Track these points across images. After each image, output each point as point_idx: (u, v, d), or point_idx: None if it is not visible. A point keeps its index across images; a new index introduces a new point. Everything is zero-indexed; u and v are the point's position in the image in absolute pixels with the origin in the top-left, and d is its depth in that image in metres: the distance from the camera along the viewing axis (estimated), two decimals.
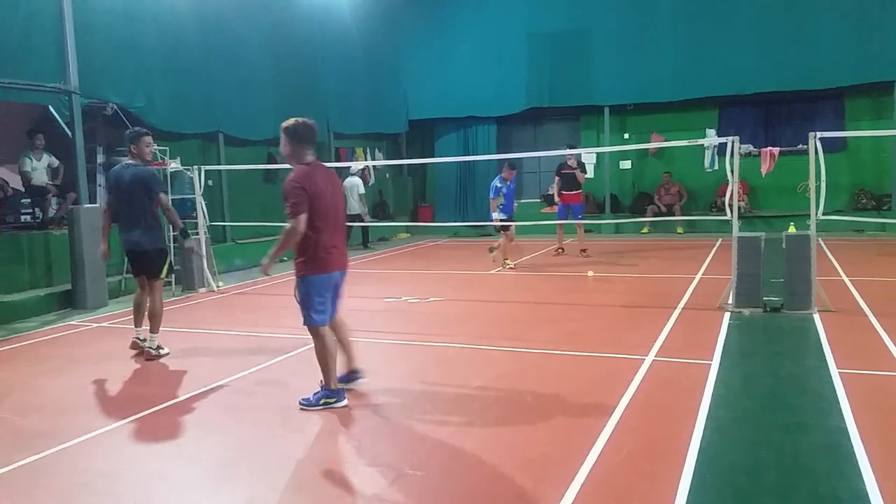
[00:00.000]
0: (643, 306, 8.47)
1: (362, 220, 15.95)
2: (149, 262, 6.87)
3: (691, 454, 4.00)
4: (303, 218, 4.92)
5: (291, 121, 5.33)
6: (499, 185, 11.87)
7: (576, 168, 13.04)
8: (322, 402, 5.14)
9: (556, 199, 13.34)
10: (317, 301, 5.13)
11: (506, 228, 12.09)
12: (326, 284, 5.17)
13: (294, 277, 5.18)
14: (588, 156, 18.34)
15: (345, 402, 5.16)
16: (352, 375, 5.55)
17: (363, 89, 18.06)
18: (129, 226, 6.84)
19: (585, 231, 14.16)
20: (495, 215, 11.94)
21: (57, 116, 10.33)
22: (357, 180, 16.06)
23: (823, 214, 7.91)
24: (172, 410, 5.31)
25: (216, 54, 13.38)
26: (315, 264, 5.09)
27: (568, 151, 13.18)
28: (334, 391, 5.17)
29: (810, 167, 7.72)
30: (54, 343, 7.84)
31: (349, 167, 16.13)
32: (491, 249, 12.79)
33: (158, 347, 6.86)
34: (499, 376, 5.78)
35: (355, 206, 15.63)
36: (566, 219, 13.30)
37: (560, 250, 13.77)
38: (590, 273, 11.05)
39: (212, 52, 13.29)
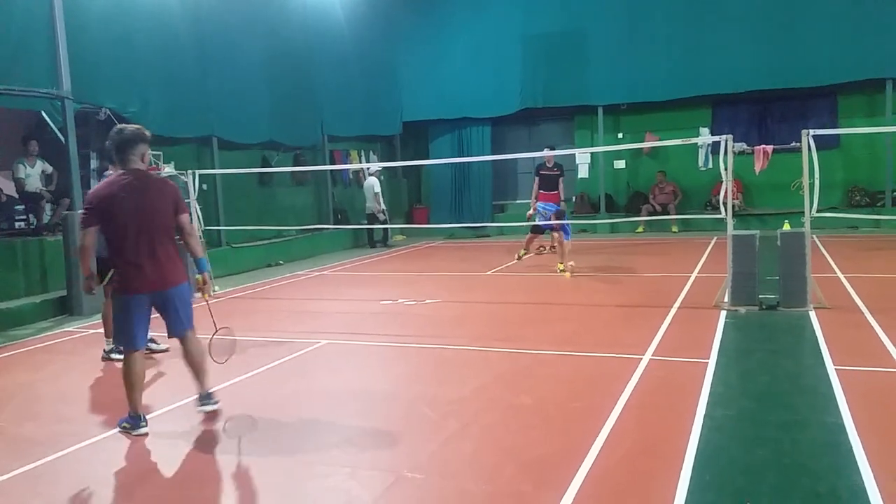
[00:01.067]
0: (639, 306, 8.48)
1: (377, 219, 16.64)
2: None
3: (689, 453, 4.00)
4: (89, 231, 4.68)
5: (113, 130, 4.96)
6: None
7: (556, 171, 13.23)
8: (122, 425, 4.86)
9: (532, 202, 13.38)
10: (122, 322, 4.86)
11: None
12: (128, 306, 4.78)
13: None
14: (582, 156, 18.39)
15: (142, 430, 4.79)
16: (203, 400, 5.15)
17: (357, 92, 18.06)
18: None
19: (580, 231, 14.24)
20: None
21: (50, 122, 10.31)
22: (373, 180, 16.82)
23: (818, 212, 7.93)
24: (171, 415, 5.29)
25: (210, 58, 13.36)
26: (118, 283, 4.82)
27: (547, 153, 13.36)
28: (132, 417, 4.83)
29: (804, 165, 7.75)
30: (51, 350, 7.82)
31: (367, 168, 16.85)
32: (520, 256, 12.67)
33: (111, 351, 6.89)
34: (496, 378, 5.78)
35: (371, 206, 16.67)
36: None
37: (542, 248, 14.01)
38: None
39: (206, 56, 13.27)
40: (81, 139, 10.53)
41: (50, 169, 11.01)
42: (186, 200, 10.89)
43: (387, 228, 17.28)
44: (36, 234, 10.42)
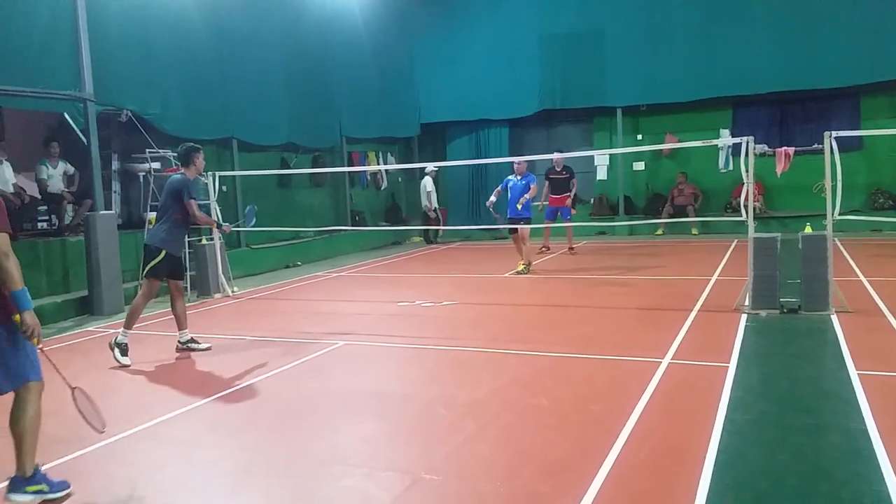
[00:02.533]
0: (658, 308, 8.42)
1: (429, 217, 17.54)
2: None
3: (709, 457, 3.97)
4: None
5: None
6: (509, 178, 11.95)
7: (565, 174, 13.37)
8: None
9: (542, 202, 13.96)
10: None
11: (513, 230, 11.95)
12: None
13: None
14: (601, 157, 18.30)
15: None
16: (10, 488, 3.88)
17: (375, 93, 18.11)
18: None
19: (598, 233, 14.32)
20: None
21: (72, 124, 10.42)
22: (427, 180, 17.89)
23: (840, 214, 7.84)
24: (189, 415, 5.33)
25: (230, 61, 13.45)
26: None
27: (556, 156, 13.63)
28: None
29: (826, 167, 7.66)
30: (72, 349, 7.90)
31: (425, 168, 17.57)
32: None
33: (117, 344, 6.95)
34: (514, 380, 5.76)
35: (424, 204, 17.97)
36: (554, 220, 13.90)
37: (545, 248, 14.42)
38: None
39: (225, 59, 13.36)
40: (103, 141, 10.65)
41: (72, 170, 11.13)
42: (206, 202, 11.16)
43: (436, 228, 17.88)
44: (58, 235, 10.54)
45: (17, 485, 3.83)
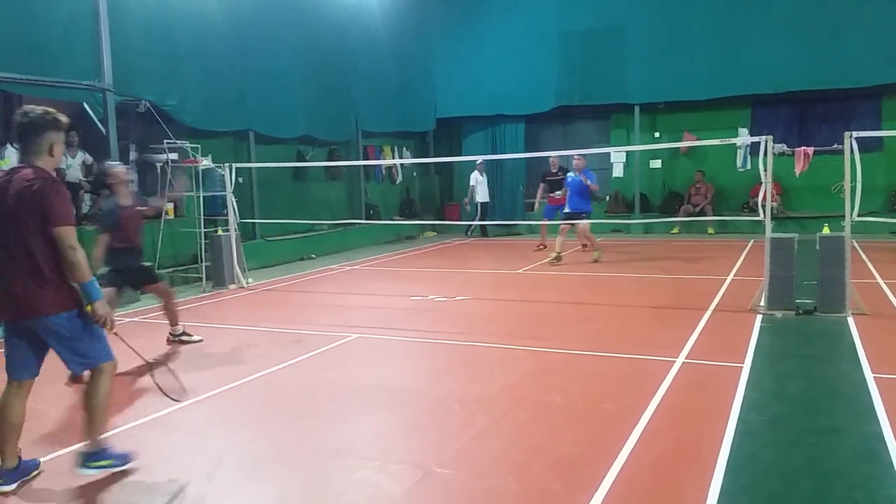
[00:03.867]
0: (673, 307, 8.38)
1: (485, 209, 17.75)
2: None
3: (722, 457, 3.95)
4: None
5: None
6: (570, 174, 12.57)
7: (560, 175, 13.79)
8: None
9: (536, 204, 14.43)
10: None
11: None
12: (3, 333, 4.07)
13: None
14: (617, 155, 18.21)
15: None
16: (83, 459, 4.11)
17: (392, 87, 18.11)
18: None
19: (613, 230, 14.33)
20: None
21: (91, 114, 10.49)
22: (474, 173, 17.74)
23: (859, 216, 7.76)
24: (202, 405, 5.36)
25: (248, 53, 13.49)
26: None
27: (553, 157, 14.18)
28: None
29: (846, 167, 7.58)
30: None
31: (475, 160, 17.55)
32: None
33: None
34: (526, 376, 5.76)
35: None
36: (553, 219, 13.96)
37: (542, 246, 14.42)
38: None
39: (243, 52, 13.40)
40: (121, 131, 10.72)
41: (90, 160, 11.20)
42: (223, 193, 11.23)
43: (484, 217, 17.86)
44: (75, 224, 10.61)
45: (85, 459, 4.06)
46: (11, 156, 10.08)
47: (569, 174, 12.65)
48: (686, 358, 6.07)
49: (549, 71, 18.38)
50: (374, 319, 8.24)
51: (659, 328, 7.32)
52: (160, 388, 4.49)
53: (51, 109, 3.99)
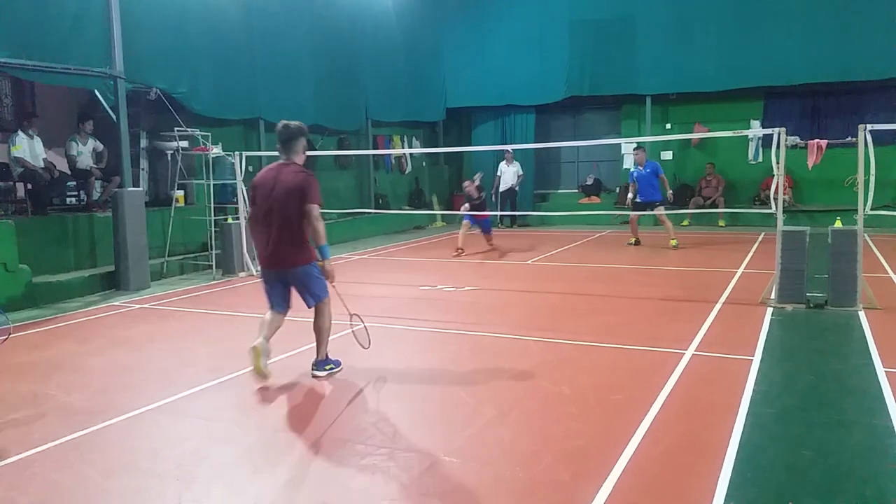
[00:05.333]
0: (683, 300, 8.35)
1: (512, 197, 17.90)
2: None
3: (731, 449, 3.94)
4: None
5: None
6: (632, 170, 13.08)
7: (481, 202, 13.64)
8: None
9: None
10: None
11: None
12: (264, 277, 5.61)
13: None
14: (628, 146, 18.13)
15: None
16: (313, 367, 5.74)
17: (402, 77, 18.07)
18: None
19: (622, 223, 14.31)
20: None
21: (102, 101, 10.51)
22: (502, 163, 18.11)
23: (871, 209, 7.70)
24: (212, 391, 5.39)
25: (259, 42, 13.48)
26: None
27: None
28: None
29: (859, 160, 7.52)
30: (98, 323, 8.02)
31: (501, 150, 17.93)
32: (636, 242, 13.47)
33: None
34: (535, 367, 5.75)
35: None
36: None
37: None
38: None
39: (255, 40, 13.39)
40: (132, 118, 10.74)
41: (101, 147, 11.23)
42: (233, 181, 11.25)
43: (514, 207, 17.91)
44: (86, 210, 10.66)
45: (318, 365, 5.66)
46: (23, 142, 10.15)
47: (632, 170, 13.25)
48: (696, 350, 6.05)
49: (559, 61, 18.29)
50: (383, 309, 8.25)
51: (669, 320, 7.29)
52: (354, 336, 5.88)
53: (301, 123, 5.58)
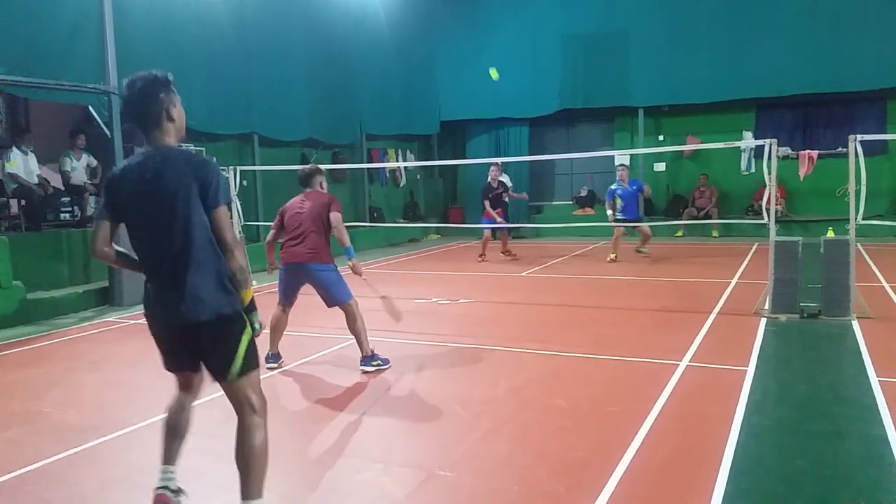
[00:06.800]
0: (677, 311, 8.37)
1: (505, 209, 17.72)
2: None
3: (726, 461, 3.94)
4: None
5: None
6: (613, 187, 12.90)
7: (500, 190, 13.82)
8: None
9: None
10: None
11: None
12: (281, 274, 6.42)
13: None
14: (621, 157, 18.21)
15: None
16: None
17: (396, 91, 18.14)
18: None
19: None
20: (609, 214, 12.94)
21: (96, 117, 10.54)
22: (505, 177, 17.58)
23: (863, 219, 7.75)
24: (206, 407, 5.36)
25: (252, 57, 13.53)
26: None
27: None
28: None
29: (850, 171, 7.57)
30: (93, 339, 7.99)
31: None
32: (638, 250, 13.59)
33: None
34: (530, 379, 5.76)
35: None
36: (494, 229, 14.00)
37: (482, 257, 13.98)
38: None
39: (248, 55, 13.44)
40: (126, 134, 10.74)
41: (95, 162, 11.24)
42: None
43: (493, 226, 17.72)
44: (80, 226, 10.65)
45: (365, 361, 6.17)
46: (17, 158, 10.15)
47: (614, 187, 12.99)
48: (690, 361, 6.06)
49: (552, 74, 18.41)
50: (377, 322, 8.21)
51: (663, 331, 7.31)
52: (388, 312, 6.65)
53: (315, 165, 6.92)
